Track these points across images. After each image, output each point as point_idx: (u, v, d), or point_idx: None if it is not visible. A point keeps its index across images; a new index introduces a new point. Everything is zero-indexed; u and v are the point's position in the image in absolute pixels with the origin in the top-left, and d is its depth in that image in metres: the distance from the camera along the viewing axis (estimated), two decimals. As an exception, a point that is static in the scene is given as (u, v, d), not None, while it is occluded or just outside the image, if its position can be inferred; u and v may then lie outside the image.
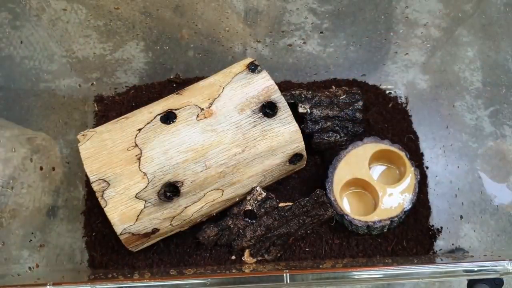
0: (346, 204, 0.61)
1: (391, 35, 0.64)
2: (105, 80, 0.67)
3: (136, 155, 0.49)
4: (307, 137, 0.60)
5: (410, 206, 0.58)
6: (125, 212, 0.48)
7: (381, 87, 0.71)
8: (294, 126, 0.52)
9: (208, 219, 0.56)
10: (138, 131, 0.50)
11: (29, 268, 0.50)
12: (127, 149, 0.49)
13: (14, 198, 0.51)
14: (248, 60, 0.55)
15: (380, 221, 0.57)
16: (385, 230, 0.59)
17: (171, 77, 0.69)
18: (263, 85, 0.52)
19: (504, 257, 0.43)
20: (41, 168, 0.56)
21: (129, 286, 0.43)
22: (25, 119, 0.57)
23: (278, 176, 0.56)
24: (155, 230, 0.51)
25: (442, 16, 0.60)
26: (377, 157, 0.62)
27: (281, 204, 0.54)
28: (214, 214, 0.55)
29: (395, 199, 0.58)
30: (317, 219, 0.54)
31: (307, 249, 0.57)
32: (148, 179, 0.48)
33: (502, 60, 0.57)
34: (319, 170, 0.63)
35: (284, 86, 0.69)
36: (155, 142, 0.49)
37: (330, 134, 0.62)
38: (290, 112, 0.52)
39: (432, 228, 0.61)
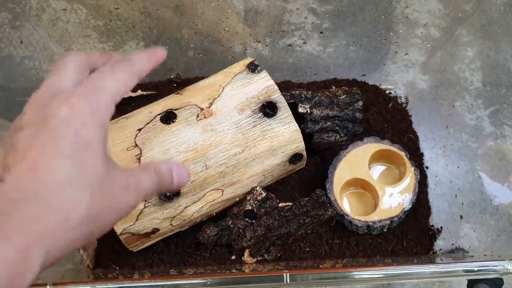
0: (346, 204, 0.61)
1: (391, 35, 0.64)
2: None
3: (136, 155, 0.49)
4: (307, 137, 0.60)
5: (410, 206, 0.58)
6: (125, 212, 0.48)
7: (381, 87, 0.71)
8: (294, 126, 0.52)
9: (208, 219, 0.56)
10: (138, 131, 0.50)
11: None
12: (127, 149, 0.49)
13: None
14: (248, 60, 0.55)
15: (380, 221, 0.57)
16: (385, 230, 0.59)
17: (172, 77, 0.69)
18: (263, 85, 0.52)
19: (504, 257, 0.43)
20: (41, 168, 0.56)
21: (129, 286, 0.43)
22: (25, 119, 0.56)
23: (278, 176, 0.56)
24: (155, 230, 0.51)
25: (442, 16, 0.60)
26: (377, 157, 0.62)
27: (281, 204, 0.54)
28: (214, 214, 0.56)
29: (395, 199, 0.58)
30: (317, 219, 0.54)
31: (307, 249, 0.57)
32: (148, 179, 0.48)
33: (502, 60, 0.57)
34: (319, 170, 0.63)
35: (284, 86, 0.69)
36: (155, 142, 0.49)
37: (330, 134, 0.62)
38: (290, 112, 0.52)
39: (432, 228, 0.61)
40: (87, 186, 0.28)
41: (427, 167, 0.65)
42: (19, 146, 0.27)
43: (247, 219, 0.54)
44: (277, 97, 0.52)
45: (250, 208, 0.54)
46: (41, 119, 0.28)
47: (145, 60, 0.35)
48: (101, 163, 0.29)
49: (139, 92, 0.67)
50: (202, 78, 0.62)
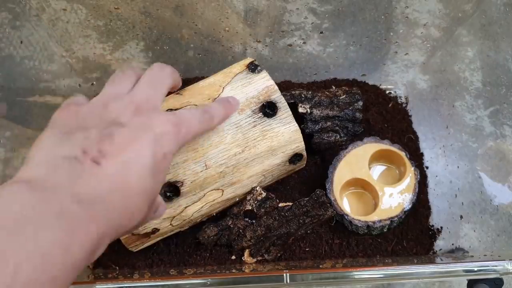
0: (346, 204, 0.61)
1: (391, 35, 0.64)
2: (105, 80, 0.66)
3: (136, 155, 0.49)
4: (307, 137, 0.60)
5: (410, 206, 0.58)
6: (125, 212, 0.48)
7: (381, 87, 0.71)
8: (294, 126, 0.52)
9: (208, 219, 0.56)
10: (138, 131, 0.50)
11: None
12: (127, 149, 0.49)
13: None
14: (248, 60, 0.55)
15: (380, 221, 0.57)
16: (385, 230, 0.59)
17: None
18: (263, 85, 0.52)
19: (504, 257, 0.43)
20: (41, 168, 0.56)
21: (129, 286, 0.43)
22: (25, 119, 0.57)
23: (278, 176, 0.56)
24: (155, 230, 0.51)
25: (442, 16, 0.60)
26: (377, 157, 0.62)
27: (281, 204, 0.54)
28: (214, 214, 0.56)
29: (395, 199, 0.58)
30: (317, 219, 0.54)
31: (307, 249, 0.57)
32: (148, 179, 0.48)
33: (502, 60, 0.57)
34: (319, 170, 0.63)
35: (284, 86, 0.69)
36: (155, 142, 0.49)
37: (330, 134, 0.62)
38: (290, 112, 0.52)
39: (432, 228, 0.61)
40: (149, 201, 0.33)
41: (427, 167, 0.65)
42: (118, 140, 0.31)
43: (247, 219, 0.54)
44: (277, 97, 0.52)
45: (250, 208, 0.54)
46: (142, 126, 0.33)
47: (222, 113, 0.47)
48: (159, 187, 0.34)
49: (139, 92, 0.67)
50: (202, 78, 0.62)
